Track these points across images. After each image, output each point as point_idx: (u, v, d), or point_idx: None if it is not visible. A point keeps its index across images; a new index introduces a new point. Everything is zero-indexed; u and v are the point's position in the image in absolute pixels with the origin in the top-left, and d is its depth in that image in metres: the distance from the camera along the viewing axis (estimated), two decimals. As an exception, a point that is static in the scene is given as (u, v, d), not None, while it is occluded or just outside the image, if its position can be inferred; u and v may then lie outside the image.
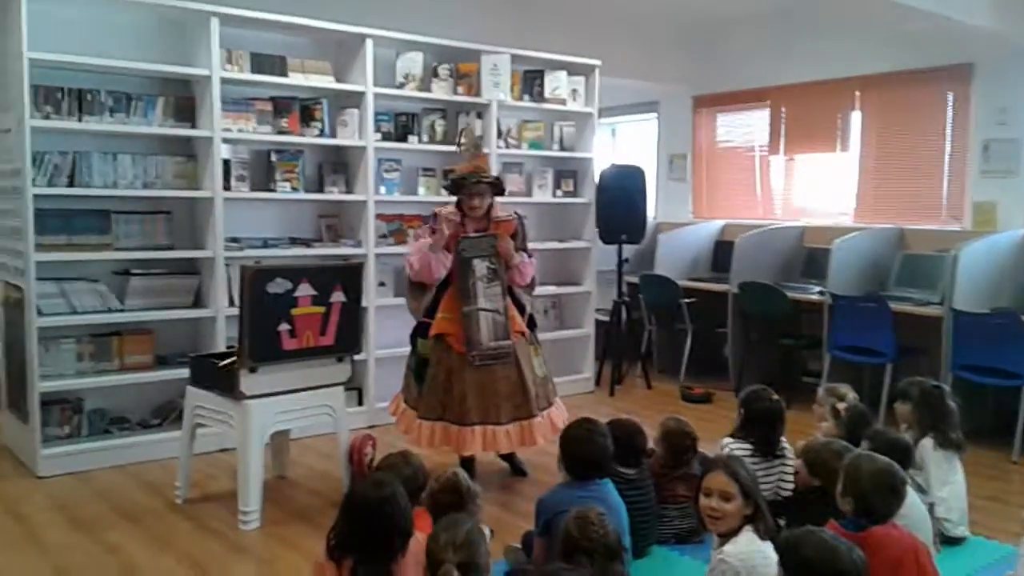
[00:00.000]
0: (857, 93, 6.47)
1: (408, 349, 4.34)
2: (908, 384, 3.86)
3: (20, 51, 4.07)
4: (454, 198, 4.21)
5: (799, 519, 3.03)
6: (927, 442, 3.65)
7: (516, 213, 4.35)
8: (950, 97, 5.95)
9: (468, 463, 4.23)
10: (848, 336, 5.57)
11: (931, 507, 3.52)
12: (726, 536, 2.70)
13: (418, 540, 2.43)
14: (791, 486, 3.48)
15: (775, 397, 3.64)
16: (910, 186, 6.21)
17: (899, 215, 6.23)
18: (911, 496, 3.12)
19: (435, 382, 4.06)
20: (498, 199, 4.24)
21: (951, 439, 3.65)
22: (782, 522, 3.08)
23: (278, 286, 3.63)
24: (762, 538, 2.65)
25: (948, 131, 5.97)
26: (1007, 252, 5.36)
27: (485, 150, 5.22)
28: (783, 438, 3.62)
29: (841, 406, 3.79)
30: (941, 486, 3.60)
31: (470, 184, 4.07)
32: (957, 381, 4.87)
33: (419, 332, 4.20)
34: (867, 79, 6.35)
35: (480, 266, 4.05)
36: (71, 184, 4.31)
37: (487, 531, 3.03)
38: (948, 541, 3.57)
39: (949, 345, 5.08)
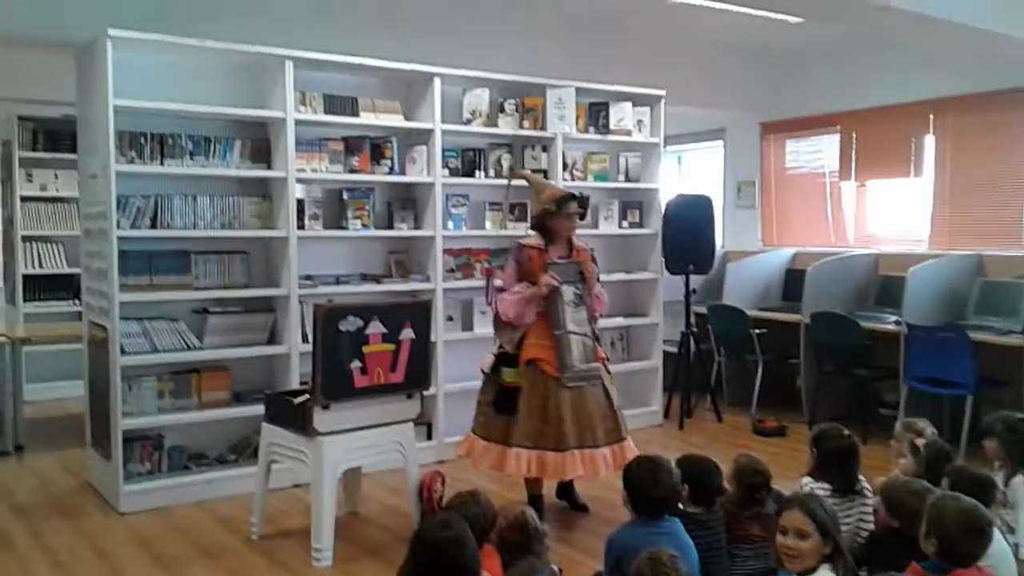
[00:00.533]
0: (931, 116, 6.34)
1: (477, 383, 4.37)
2: (992, 420, 3.76)
3: (107, 99, 4.24)
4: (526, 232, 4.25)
5: (880, 561, 2.96)
6: (1019, 480, 3.52)
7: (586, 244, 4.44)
8: (1029, 119, 5.79)
9: (537, 500, 4.24)
10: (925, 367, 5.42)
11: (1016, 548, 3.40)
12: (803, 575, 2.65)
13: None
14: (871, 525, 3.39)
15: (846, 433, 3.53)
16: (988, 211, 6.05)
17: (977, 241, 6.06)
18: (995, 537, 3.02)
19: (530, 408, 4.06)
20: None
21: None
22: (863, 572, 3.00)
23: (350, 324, 3.70)
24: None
25: (1028, 154, 5.80)
26: (1094, 279, 5.16)
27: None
28: (861, 476, 3.52)
29: (919, 442, 3.67)
30: None
31: (571, 206, 4.19)
32: (1043, 414, 4.69)
33: (503, 362, 4.20)
34: (941, 102, 6.22)
35: (567, 291, 4.16)
36: (153, 226, 4.48)
37: (555, 568, 3.03)
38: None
39: (1034, 377, 4.91)
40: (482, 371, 4.34)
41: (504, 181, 5.02)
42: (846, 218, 7.00)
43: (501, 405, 4.16)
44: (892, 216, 6.71)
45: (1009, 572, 2.97)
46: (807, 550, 2.59)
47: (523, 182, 4.76)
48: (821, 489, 3.38)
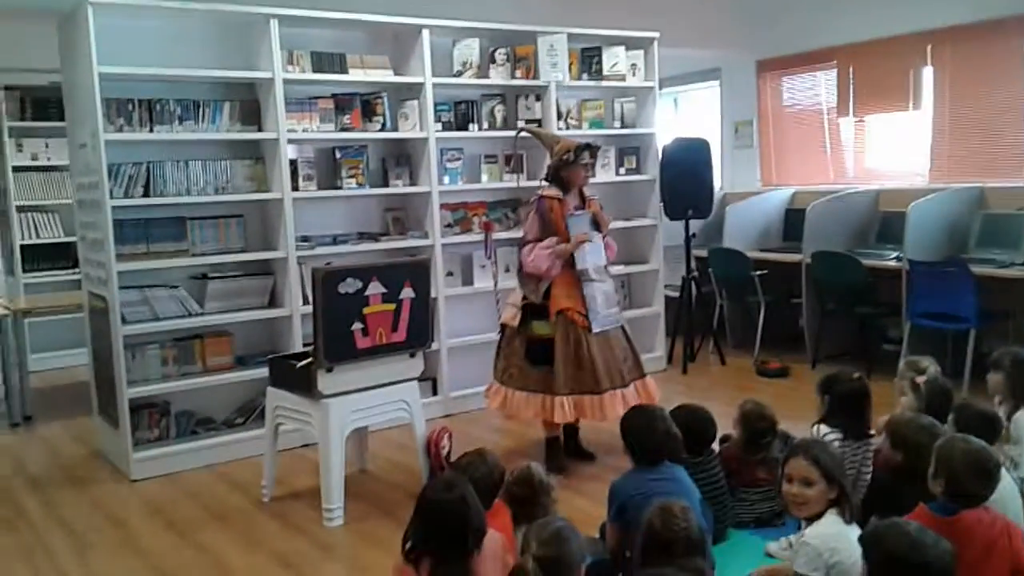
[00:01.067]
0: (929, 48, 6.22)
1: (485, 337, 4.43)
2: (1000, 354, 3.73)
3: (91, 67, 4.18)
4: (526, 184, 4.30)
5: (884, 502, 2.99)
6: (1022, 414, 3.53)
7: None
8: (1028, 47, 5.68)
9: (555, 442, 4.42)
10: (928, 303, 5.41)
11: (1022, 482, 3.42)
12: (811, 520, 2.68)
13: (494, 537, 2.47)
14: (869, 467, 3.41)
15: (857, 376, 3.54)
16: (988, 142, 5.97)
17: (978, 173, 6.00)
18: (1001, 474, 3.04)
19: (566, 357, 4.18)
20: None
21: None
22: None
23: (349, 286, 3.68)
24: (847, 522, 2.62)
25: (1027, 83, 5.71)
26: (1096, 207, 5.12)
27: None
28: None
29: (920, 380, 3.68)
30: None
31: (584, 155, 4.26)
32: (1046, 345, 4.70)
33: (531, 315, 4.27)
34: (939, 33, 6.11)
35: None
36: (146, 194, 4.44)
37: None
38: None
39: (1036, 308, 4.91)
40: (504, 324, 4.37)
41: (512, 135, 4.99)
42: (845, 154, 6.93)
43: (536, 357, 4.25)
44: (892, 151, 6.64)
45: (1015, 508, 3.00)
46: (813, 497, 2.62)
47: (528, 135, 4.77)
48: (834, 435, 3.39)
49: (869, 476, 3.38)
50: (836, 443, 3.29)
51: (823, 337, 6.15)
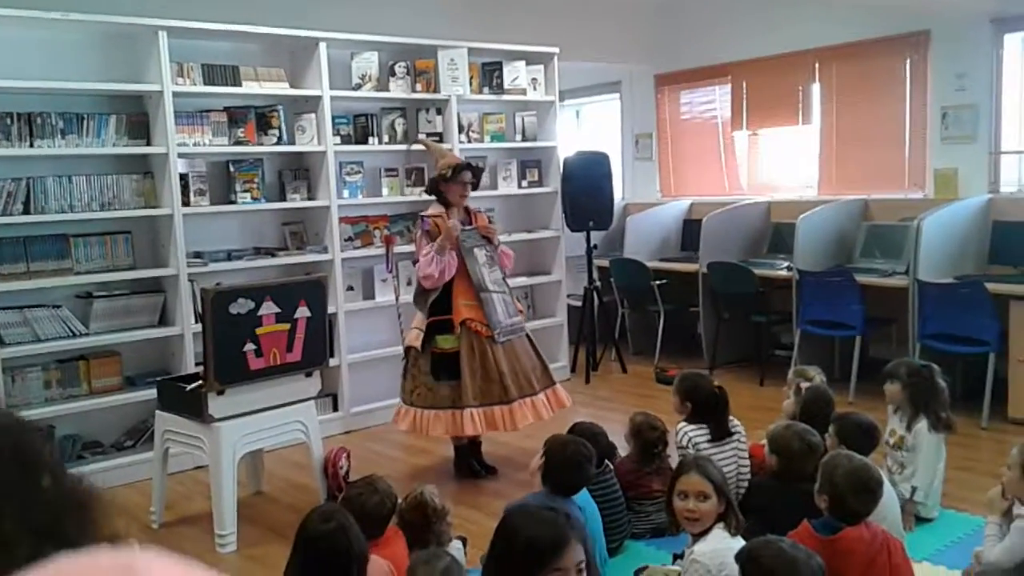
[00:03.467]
0: (816, 64, 6.47)
1: (387, 351, 4.38)
2: (896, 365, 3.85)
3: (-36, 79, 4.00)
4: (426, 198, 4.43)
5: (764, 503, 3.10)
6: (922, 426, 3.65)
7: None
8: (908, 65, 5.96)
9: (463, 451, 4.45)
10: (817, 310, 5.62)
11: (913, 490, 3.58)
12: (699, 536, 2.73)
13: (380, 566, 2.44)
14: (747, 464, 3.55)
15: (715, 383, 3.74)
16: (872, 156, 6.24)
17: (862, 186, 6.27)
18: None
19: (472, 369, 4.19)
20: None
21: (943, 419, 3.67)
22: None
23: (241, 306, 3.61)
24: (732, 534, 2.68)
25: (907, 99, 5.99)
26: (969, 219, 5.40)
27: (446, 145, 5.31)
28: (732, 417, 3.70)
29: (804, 385, 3.83)
30: (932, 472, 3.64)
31: (465, 175, 4.31)
32: (925, 350, 4.94)
33: (435, 331, 4.26)
34: (825, 50, 6.36)
35: (480, 255, 4.33)
36: (26, 211, 4.26)
37: (458, 543, 3.06)
38: (921, 520, 3.63)
39: (915, 315, 5.14)
40: (409, 347, 4.35)
41: (404, 147, 5.10)
42: (739, 167, 7.14)
43: (441, 372, 4.24)
44: (783, 164, 6.88)
45: (893, 515, 3.15)
46: (707, 511, 2.66)
47: (422, 148, 4.82)
48: (698, 433, 3.57)
49: (748, 472, 3.53)
50: (704, 441, 3.52)
51: (719, 344, 6.32)
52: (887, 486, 3.25)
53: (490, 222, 4.53)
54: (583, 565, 1.79)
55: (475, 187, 4.46)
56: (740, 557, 2.15)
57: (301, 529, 2.42)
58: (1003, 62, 5.47)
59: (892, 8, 5.82)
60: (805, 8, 6.33)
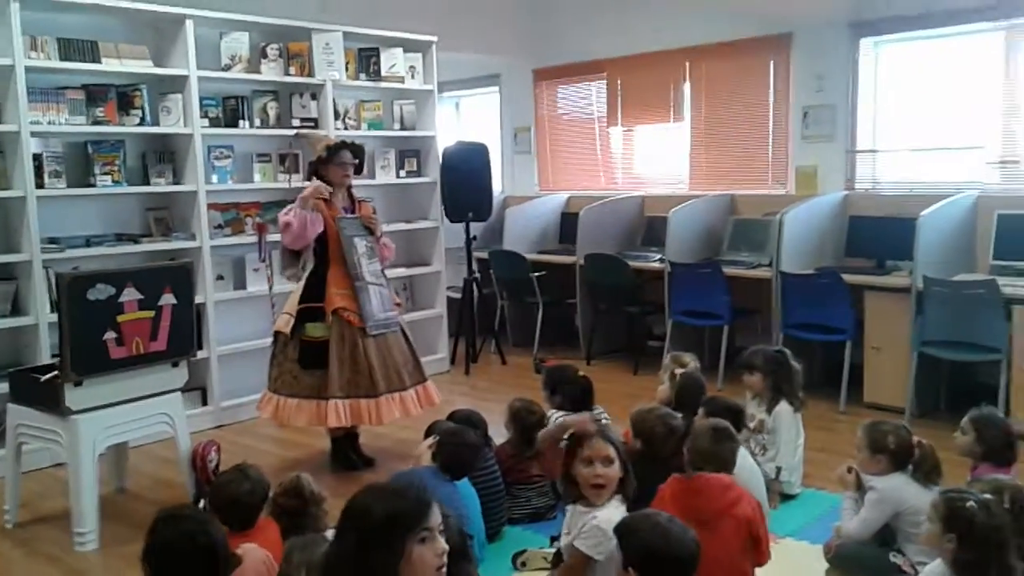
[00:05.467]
0: (687, 64, 6.67)
1: (259, 343, 4.32)
2: (751, 354, 3.99)
3: None
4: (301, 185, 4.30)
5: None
6: (783, 408, 3.82)
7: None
8: (771, 66, 6.22)
9: (340, 442, 4.38)
10: (687, 301, 5.81)
11: (778, 470, 3.74)
12: (592, 507, 2.70)
13: (258, 559, 2.35)
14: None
15: (581, 374, 3.89)
16: (738, 153, 6.48)
17: (729, 182, 6.50)
18: (743, 459, 3.30)
19: (341, 360, 4.09)
20: None
21: (800, 399, 3.86)
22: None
23: (100, 292, 3.41)
24: (625, 503, 2.68)
25: (771, 99, 6.24)
26: (827, 214, 5.68)
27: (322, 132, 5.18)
28: (597, 405, 3.86)
29: (678, 372, 3.94)
30: (793, 450, 3.81)
31: (344, 155, 4.22)
32: (788, 339, 5.16)
33: (305, 318, 4.15)
34: (695, 50, 6.55)
35: (360, 244, 4.24)
36: None
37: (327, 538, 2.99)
38: (785, 497, 3.80)
39: (779, 305, 5.37)
40: (278, 332, 4.22)
41: (291, 135, 5.08)
42: (615, 162, 7.29)
43: (309, 360, 4.12)
44: (656, 160, 7.06)
45: (758, 489, 3.26)
46: (613, 476, 2.63)
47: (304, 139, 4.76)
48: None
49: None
50: None
51: (596, 335, 6.44)
52: (752, 463, 3.41)
53: (374, 212, 4.43)
54: (442, 527, 1.77)
55: (358, 170, 4.37)
56: (619, 529, 2.19)
57: (150, 540, 2.20)
58: (859, 65, 5.78)
59: (757, 11, 6.05)
60: (677, 8, 6.50)
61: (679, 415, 3.38)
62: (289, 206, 4.16)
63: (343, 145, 4.26)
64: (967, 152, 5.44)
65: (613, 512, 2.63)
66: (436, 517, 1.75)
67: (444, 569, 1.74)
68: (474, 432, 3.34)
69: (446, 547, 1.75)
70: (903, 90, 5.73)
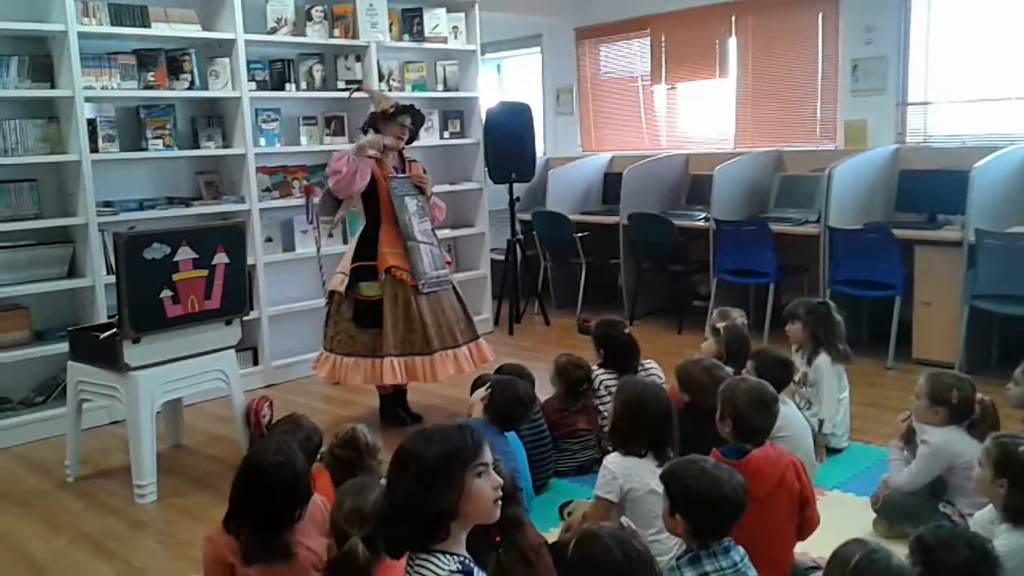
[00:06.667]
0: (733, 18, 6.55)
1: (308, 304, 4.39)
2: (794, 305, 3.97)
3: None
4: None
5: (681, 443, 3.18)
6: (823, 359, 3.79)
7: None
8: (820, 19, 6.09)
9: (389, 398, 4.45)
10: (733, 259, 5.76)
11: (820, 423, 3.72)
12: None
13: (315, 502, 2.42)
14: None
15: (626, 331, 3.85)
16: (785, 109, 6.38)
17: (776, 138, 6.41)
18: (791, 411, 3.30)
19: (395, 318, 4.14)
20: None
21: (841, 351, 3.82)
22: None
23: (156, 251, 3.49)
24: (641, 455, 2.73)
25: (819, 53, 6.12)
26: (877, 168, 5.58)
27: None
28: (644, 361, 3.84)
29: (720, 325, 3.93)
30: (835, 403, 3.78)
31: (405, 118, 4.25)
32: (835, 295, 5.10)
33: (358, 278, 4.20)
34: (741, 4, 6.44)
35: (411, 203, 4.26)
36: (-80, 156, 4.04)
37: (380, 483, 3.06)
38: (832, 451, 3.79)
39: (827, 261, 5.31)
40: (333, 292, 4.28)
41: (346, 94, 5.03)
42: (659, 121, 7.22)
43: (364, 319, 4.18)
44: (700, 117, 6.97)
45: (805, 443, 3.27)
46: None
47: (365, 94, 4.70)
48: (609, 377, 3.72)
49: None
50: (612, 385, 3.62)
51: (640, 295, 6.43)
52: (800, 418, 3.40)
53: (424, 172, 4.44)
54: (495, 464, 1.82)
55: (412, 137, 4.38)
56: (665, 477, 2.21)
57: (247, 460, 2.36)
58: (910, 14, 5.64)
59: (805, -37, 5.92)
60: (722, -39, 6.39)
61: (725, 366, 3.38)
62: (342, 151, 4.20)
63: (407, 109, 4.27)
64: (1021, 103, 5.29)
65: (618, 456, 2.71)
66: (488, 454, 1.78)
67: (500, 502, 1.77)
68: (529, 390, 3.37)
69: (500, 480, 1.78)
70: (955, 40, 5.58)
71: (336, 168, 4.08)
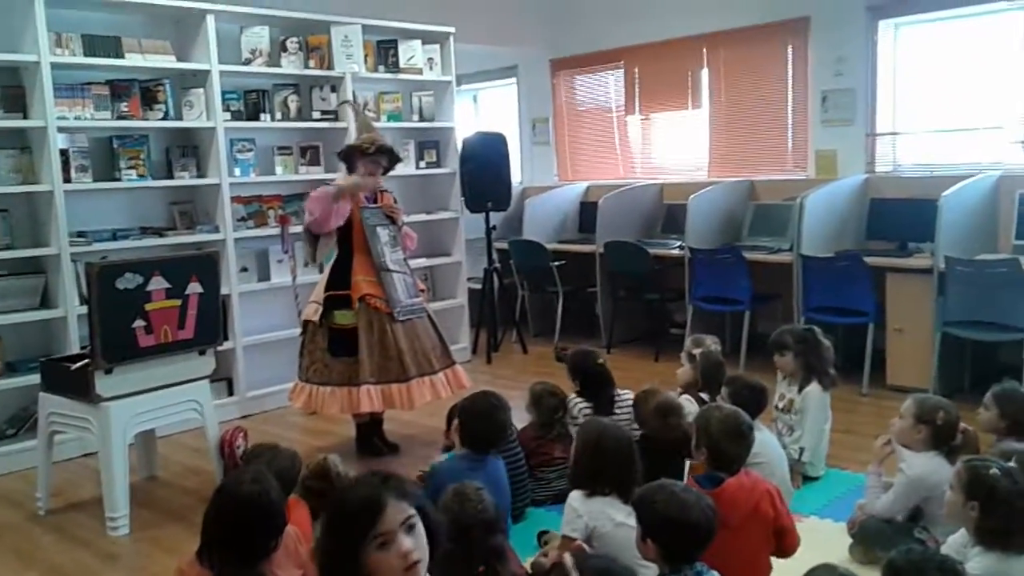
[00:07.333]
0: (704, 50, 6.66)
1: (283, 333, 4.40)
2: (780, 335, 3.94)
3: None
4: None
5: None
6: (813, 388, 3.79)
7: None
8: (789, 51, 6.20)
9: (365, 428, 4.44)
10: (708, 287, 5.81)
11: (801, 451, 3.73)
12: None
13: (289, 533, 2.40)
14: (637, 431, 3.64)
15: (600, 361, 3.87)
16: (757, 139, 6.47)
17: (749, 167, 6.50)
18: (767, 437, 3.32)
19: (370, 346, 4.14)
20: None
21: (831, 377, 3.82)
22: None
23: (128, 281, 3.47)
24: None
25: (789, 84, 6.23)
26: (848, 197, 5.66)
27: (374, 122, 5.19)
28: (624, 391, 3.85)
29: (696, 352, 3.94)
30: (819, 434, 3.79)
31: (382, 159, 4.26)
32: (809, 322, 5.11)
33: (332, 306, 4.19)
34: (712, 36, 6.55)
35: (383, 233, 4.30)
36: None
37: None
38: (809, 479, 3.79)
39: (800, 289, 5.36)
40: (307, 321, 4.27)
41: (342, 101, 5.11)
42: (633, 151, 7.29)
43: (338, 348, 4.17)
44: (674, 147, 7.05)
45: (780, 469, 3.29)
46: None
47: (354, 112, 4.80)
48: (586, 406, 3.73)
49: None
50: (591, 413, 3.64)
51: (617, 323, 6.46)
52: (776, 445, 3.42)
53: (395, 202, 4.47)
54: (413, 520, 1.60)
55: (385, 172, 4.38)
56: (635, 503, 2.22)
57: (222, 488, 2.35)
58: (878, 47, 5.76)
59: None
60: (694, -6, 6.51)
61: (689, 400, 3.42)
62: (321, 188, 4.21)
63: (385, 150, 4.28)
64: (988, 133, 5.41)
65: (581, 495, 2.73)
66: (395, 517, 1.58)
67: (418, 566, 1.58)
68: (494, 395, 3.30)
69: (410, 547, 1.57)
70: (923, 72, 5.71)
71: (311, 209, 4.13)
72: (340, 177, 4.30)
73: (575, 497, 2.72)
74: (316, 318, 4.21)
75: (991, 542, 2.22)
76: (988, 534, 2.22)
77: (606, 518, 2.63)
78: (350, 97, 5.32)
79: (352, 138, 4.67)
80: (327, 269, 4.34)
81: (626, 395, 3.84)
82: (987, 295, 4.56)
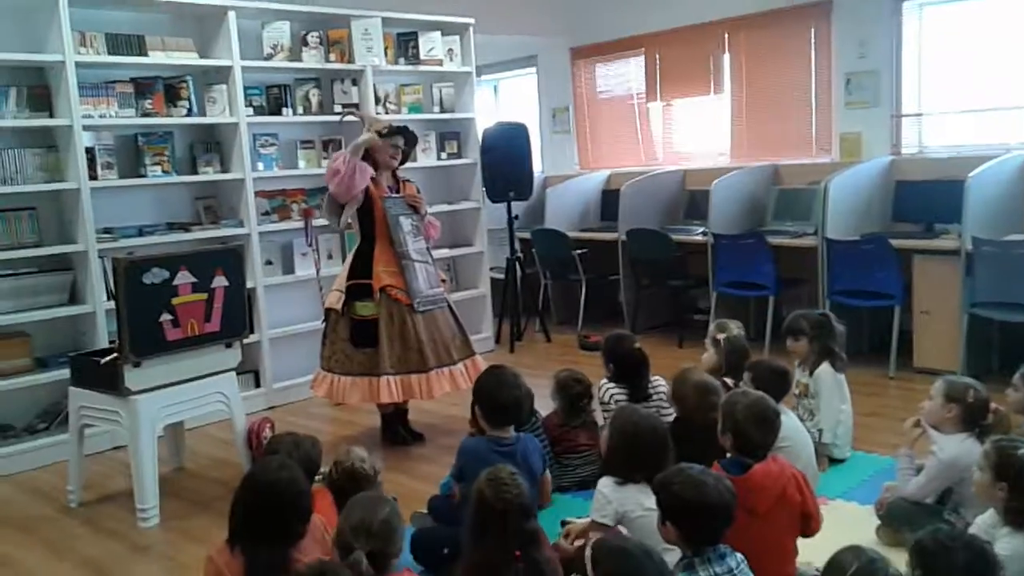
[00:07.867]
0: (726, 35, 6.61)
1: (308, 326, 4.45)
2: (795, 319, 3.94)
3: None
4: None
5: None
6: (824, 369, 3.78)
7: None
8: (812, 34, 6.13)
9: (390, 418, 4.46)
10: (731, 273, 5.78)
11: (820, 432, 3.72)
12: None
13: (314, 521, 2.42)
14: (670, 416, 3.62)
15: (637, 346, 3.82)
16: (780, 123, 6.42)
17: (772, 152, 6.44)
18: (792, 421, 3.29)
19: (391, 337, 4.17)
20: None
21: (842, 359, 3.81)
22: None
23: (155, 276, 3.51)
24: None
25: (812, 67, 6.16)
26: (873, 179, 5.61)
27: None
28: (657, 377, 3.80)
29: (720, 336, 3.92)
30: (834, 412, 3.77)
31: (397, 139, 4.28)
32: (835, 306, 5.10)
33: (354, 297, 4.22)
34: (734, 21, 6.50)
35: (405, 223, 4.30)
36: (-78, 187, 4.07)
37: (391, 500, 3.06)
38: (835, 461, 3.77)
39: (825, 273, 5.32)
40: (329, 309, 4.30)
41: (337, 118, 5.02)
42: (654, 137, 7.26)
43: (360, 339, 4.20)
44: (696, 133, 7.01)
45: (806, 453, 3.26)
46: None
47: (355, 119, 4.70)
48: (619, 392, 3.68)
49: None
50: (624, 400, 3.62)
51: (640, 310, 6.45)
52: (801, 428, 3.40)
53: (418, 191, 4.48)
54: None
55: (405, 158, 4.42)
56: (654, 487, 2.22)
57: (251, 475, 2.39)
58: (902, 29, 5.68)
59: (796, -22, 5.98)
60: (714, -21, 6.45)
61: (723, 381, 3.39)
62: (339, 152, 4.22)
63: (400, 130, 4.31)
64: (1015, 112, 5.33)
65: (611, 481, 2.72)
66: None
67: None
68: (505, 369, 3.29)
69: None
70: (948, 52, 5.62)
71: (335, 168, 4.11)
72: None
73: (606, 483, 2.72)
74: (338, 306, 4.24)
75: (1020, 522, 2.20)
76: (1017, 514, 2.20)
77: (636, 504, 2.63)
78: (364, 98, 5.36)
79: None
80: (349, 256, 4.36)
81: (659, 382, 3.79)
82: (1015, 275, 4.49)
